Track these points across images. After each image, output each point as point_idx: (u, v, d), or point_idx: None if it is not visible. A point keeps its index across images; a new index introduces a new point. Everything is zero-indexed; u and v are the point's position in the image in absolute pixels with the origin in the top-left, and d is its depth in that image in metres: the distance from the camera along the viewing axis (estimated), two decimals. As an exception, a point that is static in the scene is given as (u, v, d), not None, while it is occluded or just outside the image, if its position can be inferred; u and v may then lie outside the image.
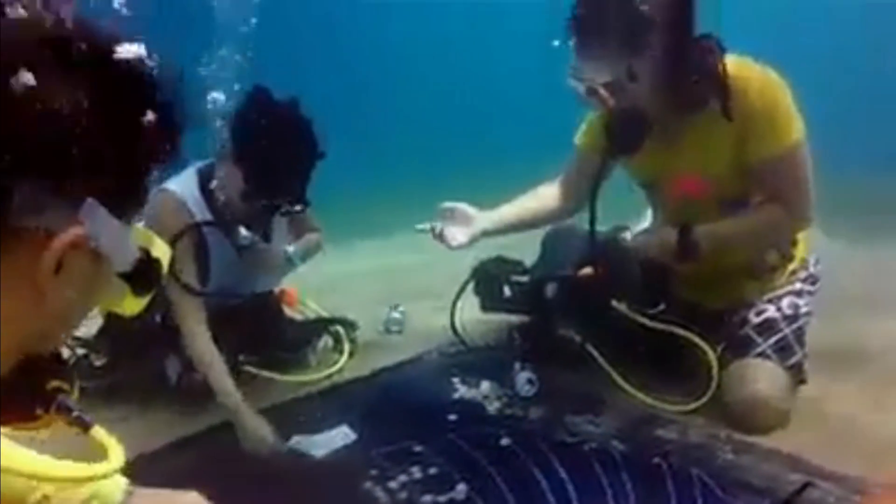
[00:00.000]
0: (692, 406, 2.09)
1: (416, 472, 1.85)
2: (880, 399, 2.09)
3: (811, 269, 2.24)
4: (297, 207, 2.12)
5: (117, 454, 0.93)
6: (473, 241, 2.31)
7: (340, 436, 2.05)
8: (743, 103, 1.92)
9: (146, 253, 0.85)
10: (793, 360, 2.05)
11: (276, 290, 2.60)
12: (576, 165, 2.40)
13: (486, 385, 2.30)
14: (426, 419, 2.14)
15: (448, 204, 2.32)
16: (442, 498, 1.74)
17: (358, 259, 4.34)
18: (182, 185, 2.16)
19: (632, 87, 1.91)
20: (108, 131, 0.73)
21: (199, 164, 2.21)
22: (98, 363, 2.32)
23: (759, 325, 2.10)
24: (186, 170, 2.20)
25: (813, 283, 2.22)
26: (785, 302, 2.14)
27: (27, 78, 0.66)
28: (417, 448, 1.95)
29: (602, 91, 1.92)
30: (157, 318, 2.22)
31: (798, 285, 2.18)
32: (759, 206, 2.07)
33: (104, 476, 0.92)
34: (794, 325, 2.10)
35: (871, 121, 5.59)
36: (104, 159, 0.74)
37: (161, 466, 1.94)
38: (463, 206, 2.33)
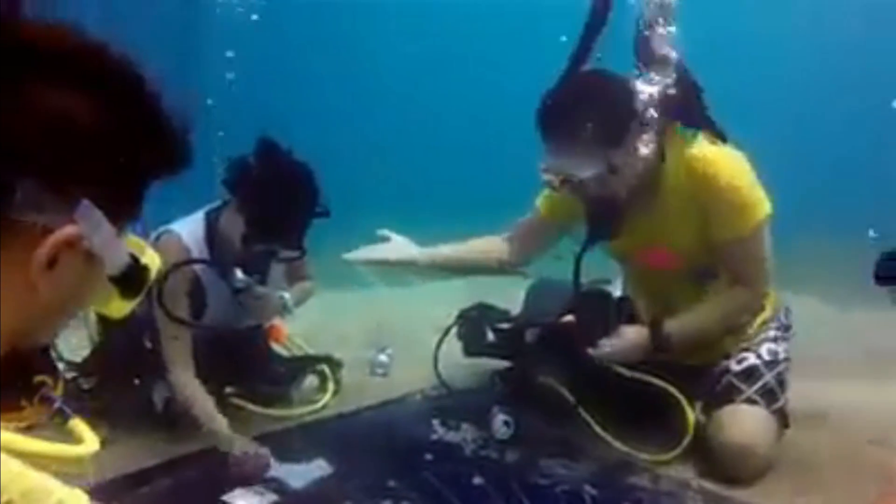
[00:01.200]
0: (668, 456, 2.12)
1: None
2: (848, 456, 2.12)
3: (783, 320, 2.29)
4: (295, 254, 2.20)
5: (93, 440, 0.98)
6: (398, 264, 2.35)
7: (318, 468, 2.08)
8: (709, 186, 1.99)
9: (135, 259, 0.91)
10: (777, 405, 2.10)
11: (265, 325, 2.65)
12: (531, 227, 2.41)
13: (465, 427, 2.34)
14: (403, 456, 2.16)
15: (385, 231, 2.36)
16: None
17: (348, 302, 4.38)
18: (187, 225, 2.25)
19: (611, 179, 1.96)
20: (108, 138, 0.80)
21: (209, 206, 2.30)
22: (86, 386, 2.35)
23: (742, 372, 2.15)
24: (196, 213, 2.29)
25: (786, 331, 2.28)
26: (764, 349, 2.19)
27: (35, 83, 0.73)
28: (391, 483, 1.98)
29: (577, 183, 1.97)
30: (147, 344, 2.26)
31: (772, 333, 2.24)
32: (724, 291, 2.12)
33: (85, 456, 0.97)
34: (776, 371, 2.16)
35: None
36: (103, 164, 0.80)
37: (143, 488, 1.97)
38: (399, 238, 2.35)
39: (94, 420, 2.26)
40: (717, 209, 2.00)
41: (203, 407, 2.14)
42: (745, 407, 2.09)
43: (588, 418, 2.19)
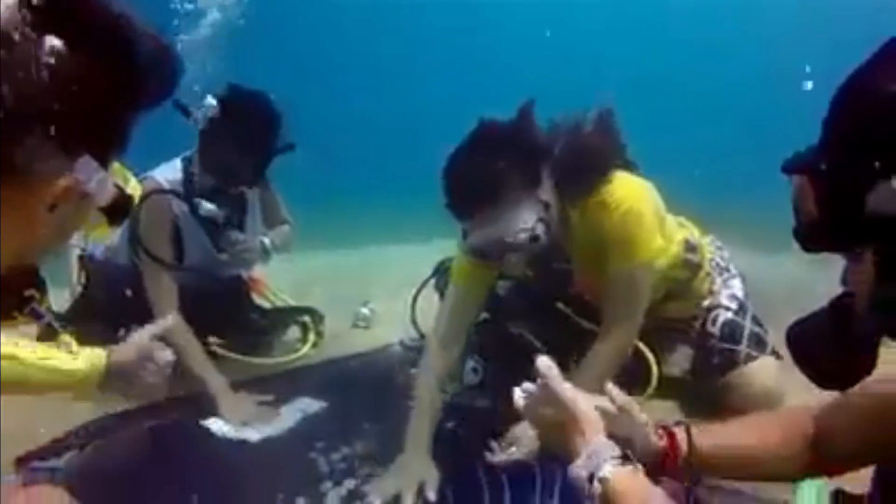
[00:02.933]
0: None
1: (359, 446, 1.97)
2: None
3: (721, 262, 2.38)
4: (245, 188, 2.33)
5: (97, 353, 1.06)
6: None
7: (294, 413, 2.16)
8: (610, 220, 1.96)
9: (121, 190, 0.98)
10: (768, 344, 2.20)
11: (246, 277, 2.71)
12: (456, 307, 2.16)
13: (441, 376, 2.39)
14: (378, 402, 2.24)
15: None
16: (379, 470, 1.86)
17: (337, 262, 4.44)
18: (165, 171, 2.33)
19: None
20: (99, 86, 0.84)
21: (185, 153, 2.36)
22: (68, 337, 2.42)
23: (722, 330, 2.23)
24: (173, 160, 2.36)
25: (730, 270, 2.37)
26: (724, 298, 2.27)
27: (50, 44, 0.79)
28: (366, 426, 2.06)
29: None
30: (128, 293, 2.32)
31: (719, 280, 2.32)
32: (596, 348, 2.05)
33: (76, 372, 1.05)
34: (749, 314, 2.25)
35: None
36: (97, 112, 0.86)
37: (127, 429, 2.07)
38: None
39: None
40: (612, 243, 1.97)
41: (193, 353, 2.21)
42: (751, 367, 2.17)
43: (555, 365, 2.25)
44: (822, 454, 1.15)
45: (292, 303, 2.89)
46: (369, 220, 4.95)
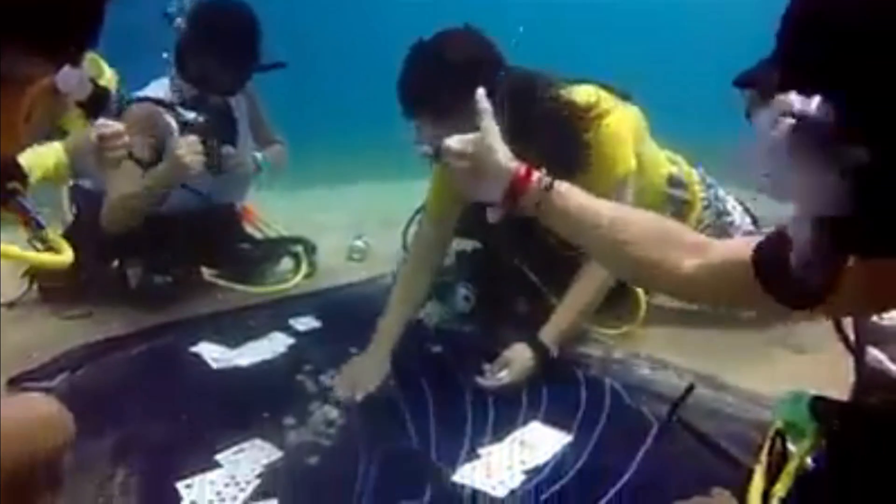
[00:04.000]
0: (621, 331, 2.21)
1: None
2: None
3: (714, 201, 2.42)
4: (223, 97, 2.34)
5: (68, 251, 1.06)
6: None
7: (283, 338, 2.18)
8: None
9: (96, 84, 0.97)
10: None
11: (238, 206, 2.71)
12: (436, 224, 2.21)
13: (430, 303, 2.40)
14: (368, 328, 2.25)
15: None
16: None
17: (333, 197, 4.44)
18: (154, 89, 2.31)
19: None
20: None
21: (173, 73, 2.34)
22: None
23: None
24: (162, 79, 2.34)
25: (727, 213, 2.42)
26: (738, 216, 2.38)
27: None
28: (353, 350, 2.07)
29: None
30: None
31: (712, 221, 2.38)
32: (579, 277, 2.07)
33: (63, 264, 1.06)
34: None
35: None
36: (73, 19, 0.84)
37: (119, 352, 2.11)
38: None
39: (72, 296, 2.38)
40: (596, 157, 1.98)
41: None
42: None
43: (546, 292, 2.26)
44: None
45: (285, 233, 2.89)
46: (364, 156, 4.92)
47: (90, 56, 1.00)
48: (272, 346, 2.16)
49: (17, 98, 0.83)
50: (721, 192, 2.46)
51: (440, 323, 2.32)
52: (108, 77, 1.01)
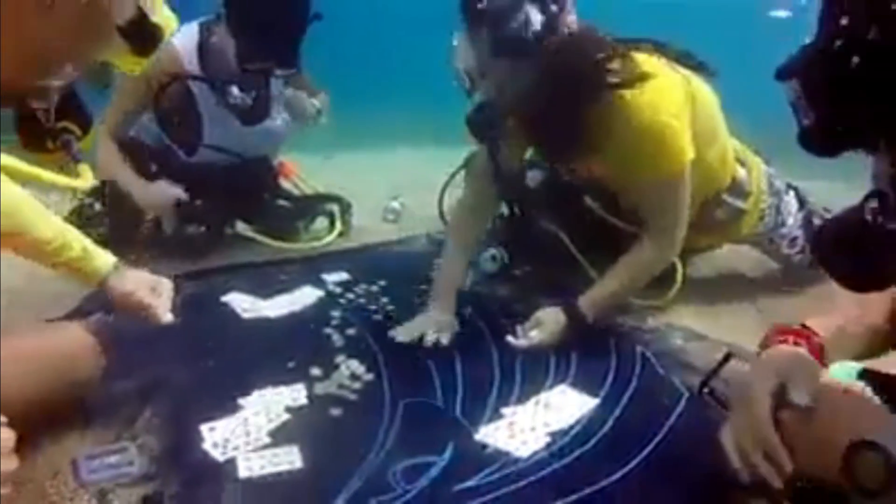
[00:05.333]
0: (657, 302, 2.17)
1: (377, 324, 1.99)
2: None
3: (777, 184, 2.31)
4: (290, 71, 2.21)
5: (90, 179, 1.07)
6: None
7: (313, 291, 2.20)
8: (634, 118, 1.86)
9: (143, 14, 0.95)
10: None
11: (275, 162, 2.71)
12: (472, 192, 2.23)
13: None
14: (399, 286, 2.26)
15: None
16: (391, 346, 1.89)
17: (368, 161, 4.42)
18: (181, 36, 2.24)
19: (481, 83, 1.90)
20: None
21: (204, 18, 2.30)
22: (99, 208, 2.46)
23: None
24: (190, 23, 2.29)
25: (787, 192, 2.33)
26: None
27: None
28: (383, 305, 2.07)
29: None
30: (153, 168, 2.34)
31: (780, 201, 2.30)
32: (633, 250, 2.02)
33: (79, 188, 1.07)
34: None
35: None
36: None
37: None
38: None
39: (107, 242, 2.42)
40: (638, 145, 1.89)
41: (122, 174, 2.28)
42: None
43: (582, 260, 2.23)
44: None
45: (321, 191, 2.88)
46: (403, 120, 4.90)
47: None
48: (301, 298, 2.17)
49: None
50: (787, 199, 2.32)
51: (472, 284, 2.29)
52: (166, 18, 0.99)
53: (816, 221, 2.29)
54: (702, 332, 2.02)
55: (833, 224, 0.83)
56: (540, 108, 1.81)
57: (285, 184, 2.80)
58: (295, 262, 2.47)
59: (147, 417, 1.55)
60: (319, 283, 2.26)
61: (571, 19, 1.88)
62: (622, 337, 1.97)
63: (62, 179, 1.04)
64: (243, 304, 2.11)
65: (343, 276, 2.32)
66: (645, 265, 2.04)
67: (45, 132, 1.03)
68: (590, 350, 1.87)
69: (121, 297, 1.54)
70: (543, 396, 1.68)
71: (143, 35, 0.97)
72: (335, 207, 2.78)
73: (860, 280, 0.81)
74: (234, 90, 2.24)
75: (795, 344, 1.19)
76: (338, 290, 2.22)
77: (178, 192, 2.17)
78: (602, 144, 1.88)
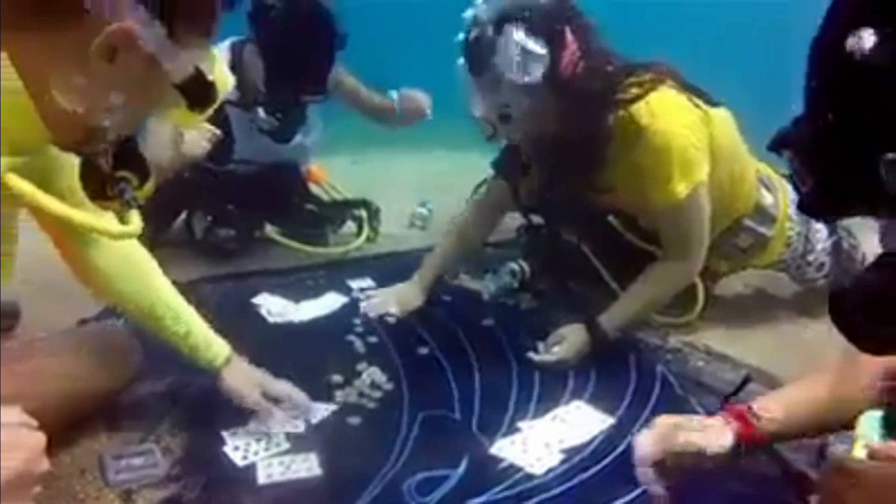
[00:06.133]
0: (681, 320, 2.17)
1: (399, 332, 2.03)
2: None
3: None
4: (318, 97, 2.27)
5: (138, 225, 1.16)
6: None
7: (338, 298, 2.25)
8: (645, 140, 1.86)
9: (200, 72, 1.00)
10: None
11: (304, 167, 2.76)
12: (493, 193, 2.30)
13: (488, 276, 2.40)
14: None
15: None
16: (412, 355, 1.93)
17: (398, 163, 4.45)
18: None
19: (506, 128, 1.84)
20: None
21: (235, 39, 2.36)
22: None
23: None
24: (221, 43, 2.35)
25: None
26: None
27: None
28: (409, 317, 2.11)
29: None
30: (185, 174, 2.40)
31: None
32: (656, 267, 2.04)
33: (126, 234, 1.17)
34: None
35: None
36: None
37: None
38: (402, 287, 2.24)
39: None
40: (651, 170, 1.89)
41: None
42: None
43: (605, 274, 2.24)
44: None
45: (349, 196, 2.93)
46: (438, 123, 4.91)
47: (208, 49, 1.04)
48: (327, 304, 2.22)
49: (85, 32, 0.88)
50: (816, 225, 2.26)
51: (496, 296, 2.32)
52: (222, 76, 1.04)
53: (846, 247, 2.27)
54: (724, 352, 2.02)
55: (852, 288, 0.83)
56: (560, 145, 1.85)
57: (314, 188, 2.85)
58: (322, 267, 2.52)
59: (171, 420, 1.60)
60: (345, 290, 2.30)
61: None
62: (643, 355, 1.98)
63: (99, 223, 1.09)
64: (272, 307, 2.16)
65: (368, 282, 2.36)
66: (665, 283, 2.06)
67: (103, 180, 1.07)
68: (610, 368, 1.89)
69: (231, 392, 1.59)
70: (560, 411, 1.70)
71: (199, 93, 1.03)
72: (363, 212, 2.81)
73: (885, 343, 0.82)
74: (261, 112, 2.28)
75: (727, 423, 1.30)
76: (362, 296, 2.26)
77: (211, 128, 2.18)
78: (620, 173, 1.91)
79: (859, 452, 0.95)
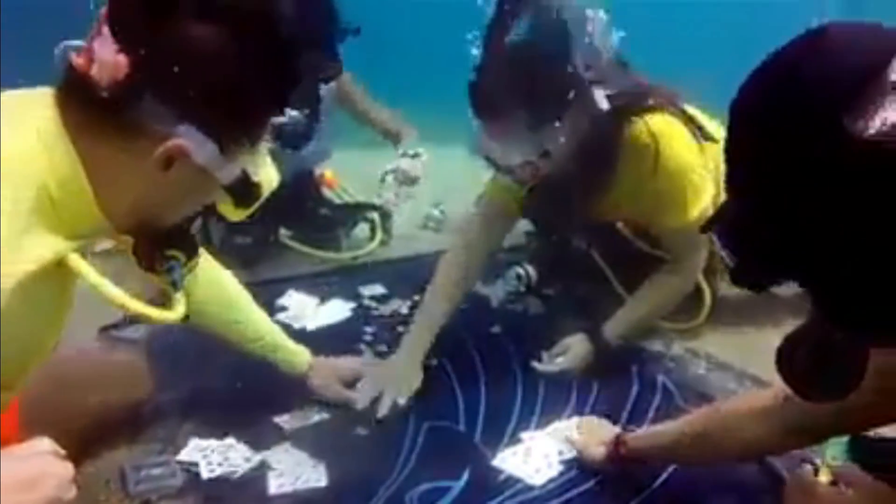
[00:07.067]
0: (685, 326, 2.23)
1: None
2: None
3: None
4: (334, 68, 2.33)
5: (181, 311, 1.24)
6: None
7: (349, 306, 2.34)
8: (654, 166, 1.88)
9: (247, 175, 1.09)
10: None
11: (317, 173, 2.84)
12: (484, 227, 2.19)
13: (499, 282, 2.46)
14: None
15: None
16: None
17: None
18: None
19: (545, 163, 1.79)
20: (226, 67, 1.00)
21: None
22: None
23: None
24: None
25: None
26: None
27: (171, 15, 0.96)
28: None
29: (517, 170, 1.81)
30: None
31: None
32: (659, 277, 2.09)
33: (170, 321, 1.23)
34: None
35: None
36: (219, 90, 1.01)
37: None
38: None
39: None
40: (661, 194, 1.93)
41: None
42: None
43: (614, 280, 2.29)
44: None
45: (362, 200, 2.99)
46: (445, 121, 4.92)
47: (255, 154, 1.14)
48: (338, 312, 2.30)
49: (153, 139, 1.00)
50: None
51: (504, 302, 2.39)
52: (268, 174, 1.14)
53: None
54: (725, 360, 2.08)
55: (792, 346, 0.88)
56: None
57: (328, 193, 2.92)
58: (334, 273, 2.59)
59: (186, 432, 1.70)
60: (355, 297, 2.39)
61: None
62: (645, 364, 2.05)
63: (147, 308, 1.18)
64: (287, 315, 2.26)
65: (379, 289, 2.44)
66: (669, 292, 2.12)
67: (154, 256, 1.18)
68: (612, 378, 1.96)
69: (318, 390, 1.81)
70: (561, 424, 1.77)
71: (244, 193, 1.13)
72: (375, 216, 2.88)
73: (831, 392, 0.86)
74: (291, 113, 2.33)
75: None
76: (373, 304, 2.34)
77: None
78: (627, 195, 1.96)
79: (823, 475, 1.01)
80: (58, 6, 1.74)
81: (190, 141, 1.00)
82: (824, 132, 0.67)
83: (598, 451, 1.59)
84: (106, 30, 0.97)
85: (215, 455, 1.61)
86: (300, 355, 1.80)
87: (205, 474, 1.56)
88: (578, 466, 1.63)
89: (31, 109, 1.00)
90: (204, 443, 1.65)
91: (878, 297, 0.69)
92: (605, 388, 1.92)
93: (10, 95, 1.03)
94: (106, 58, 0.95)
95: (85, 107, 0.99)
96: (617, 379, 1.96)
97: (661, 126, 1.89)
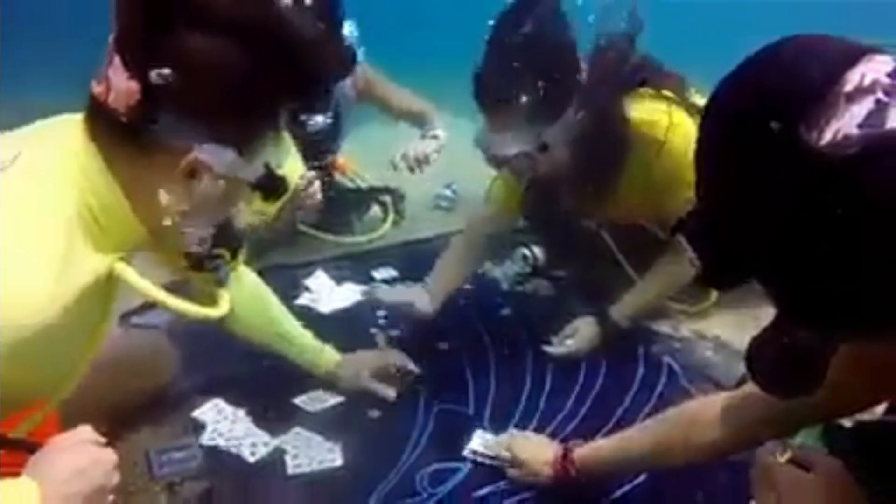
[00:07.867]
0: (694, 308, 2.28)
1: (420, 326, 2.16)
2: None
3: None
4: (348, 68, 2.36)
5: (224, 307, 1.34)
6: None
7: (362, 290, 2.41)
8: (659, 155, 1.92)
9: (270, 170, 1.15)
10: None
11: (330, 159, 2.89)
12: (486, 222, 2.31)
13: (508, 263, 2.52)
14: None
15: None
16: (432, 349, 2.08)
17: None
18: None
19: (544, 158, 1.84)
20: (242, 77, 1.05)
21: None
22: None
23: None
24: None
25: None
26: None
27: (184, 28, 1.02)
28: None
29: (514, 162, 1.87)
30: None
31: None
32: (665, 261, 2.12)
33: (210, 318, 1.32)
34: None
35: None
36: (236, 100, 1.07)
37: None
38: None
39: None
40: (668, 173, 1.93)
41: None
42: None
43: (624, 262, 2.33)
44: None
45: (374, 182, 3.05)
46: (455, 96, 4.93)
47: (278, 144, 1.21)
48: (351, 296, 2.38)
49: (178, 153, 1.06)
50: None
51: (513, 284, 2.45)
52: (293, 166, 1.21)
53: None
54: (732, 342, 2.13)
55: (758, 345, 0.91)
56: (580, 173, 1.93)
57: (340, 178, 2.97)
58: (347, 258, 2.66)
59: (207, 414, 1.79)
60: (368, 280, 2.46)
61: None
62: (651, 346, 2.11)
63: (199, 311, 1.25)
64: (305, 298, 2.34)
65: (391, 272, 2.51)
66: (680, 271, 2.14)
67: (201, 256, 1.24)
68: (618, 360, 2.02)
69: (346, 385, 1.87)
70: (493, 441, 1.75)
71: (270, 187, 1.19)
72: (388, 198, 2.94)
73: (797, 388, 0.90)
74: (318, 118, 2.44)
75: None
76: (385, 287, 2.41)
77: None
78: (634, 184, 2.00)
79: (781, 455, 1.07)
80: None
81: (207, 153, 1.07)
82: (782, 141, 0.71)
83: (542, 470, 1.55)
84: (117, 59, 1.03)
85: (235, 436, 1.71)
86: (328, 355, 1.86)
87: (225, 456, 1.66)
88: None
89: (67, 134, 1.08)
90: (224, 425, 1.74)
91: (831, 296, 0.74)
92: (613, 369, 1.99)
93: (48, 123, 1.12)
94: (120, 85, 1.02)
95: (109, 130, 1.06)
96: (624, 360, 2.02)
97: (665, 111, 1.93)
